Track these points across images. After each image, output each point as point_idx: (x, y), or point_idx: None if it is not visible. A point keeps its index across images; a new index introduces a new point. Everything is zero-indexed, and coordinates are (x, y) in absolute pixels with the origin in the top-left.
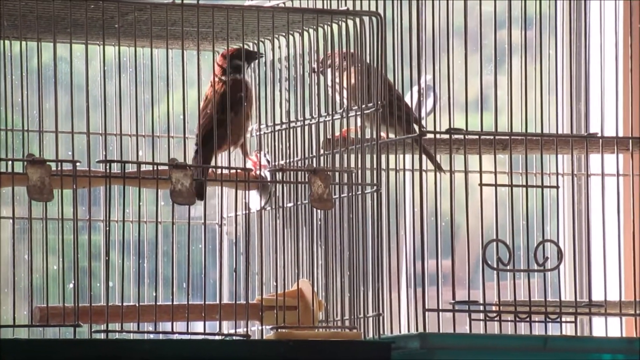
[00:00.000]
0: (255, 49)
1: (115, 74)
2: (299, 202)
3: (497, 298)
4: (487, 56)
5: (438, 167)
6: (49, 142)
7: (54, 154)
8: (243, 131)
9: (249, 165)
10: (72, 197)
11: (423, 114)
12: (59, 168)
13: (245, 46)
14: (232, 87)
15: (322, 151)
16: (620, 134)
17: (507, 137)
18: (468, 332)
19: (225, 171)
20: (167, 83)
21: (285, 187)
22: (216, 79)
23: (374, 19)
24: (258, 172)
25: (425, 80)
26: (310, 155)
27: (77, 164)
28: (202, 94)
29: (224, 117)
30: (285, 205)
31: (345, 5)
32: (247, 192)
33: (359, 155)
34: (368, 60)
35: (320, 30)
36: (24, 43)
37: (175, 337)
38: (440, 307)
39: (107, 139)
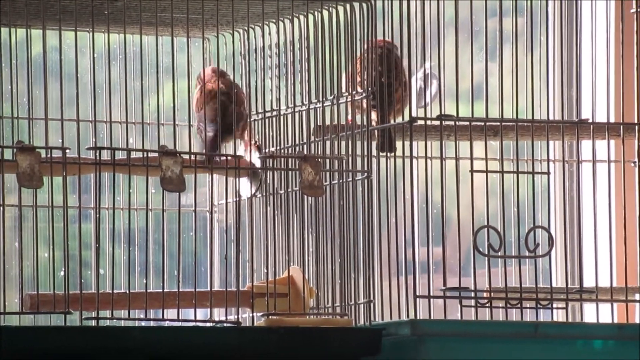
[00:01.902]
0: (246, 37)
1: (105, 61)
2: (290, 189)
3: (488, 285)
4: (478, 43)
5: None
6: (39, 130)
7: (44, 142)
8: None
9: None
10: (62, 184)
11: (427, 101)
12: (49, 155)
13: (236, 33)
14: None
15: (312, 138)
16: (612, 120)
17: (498, 124)
18: (459, 318)
19: (215, 158)
20: (157, 70)
21: (275, 174)
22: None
23: (364, 5)
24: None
25: (430, 67)
26: (301, 142)
27: (67, 151)
28: (192, 80)
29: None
30: (275, 193)
31: None
32: (237, 179)
33: (350, 142)
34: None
35: (311, 16)
36: (13, 30)
37: (166, 324)
38: (432, 294)
39: (97, 126)
